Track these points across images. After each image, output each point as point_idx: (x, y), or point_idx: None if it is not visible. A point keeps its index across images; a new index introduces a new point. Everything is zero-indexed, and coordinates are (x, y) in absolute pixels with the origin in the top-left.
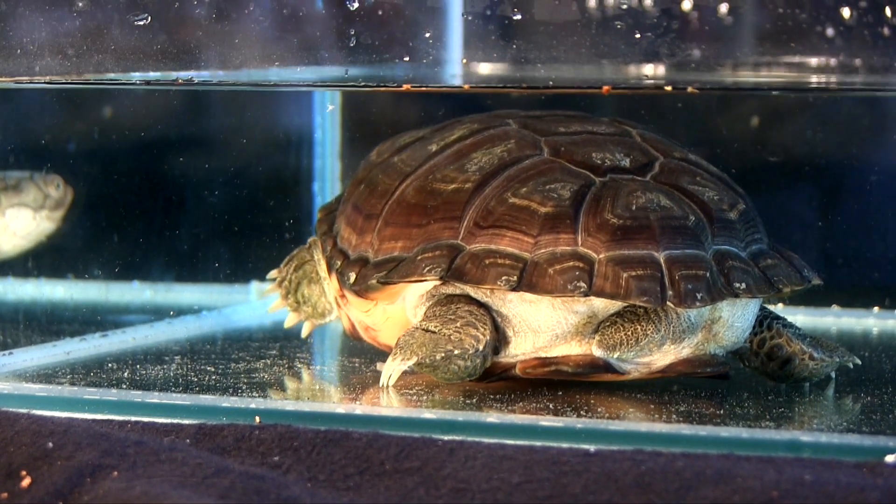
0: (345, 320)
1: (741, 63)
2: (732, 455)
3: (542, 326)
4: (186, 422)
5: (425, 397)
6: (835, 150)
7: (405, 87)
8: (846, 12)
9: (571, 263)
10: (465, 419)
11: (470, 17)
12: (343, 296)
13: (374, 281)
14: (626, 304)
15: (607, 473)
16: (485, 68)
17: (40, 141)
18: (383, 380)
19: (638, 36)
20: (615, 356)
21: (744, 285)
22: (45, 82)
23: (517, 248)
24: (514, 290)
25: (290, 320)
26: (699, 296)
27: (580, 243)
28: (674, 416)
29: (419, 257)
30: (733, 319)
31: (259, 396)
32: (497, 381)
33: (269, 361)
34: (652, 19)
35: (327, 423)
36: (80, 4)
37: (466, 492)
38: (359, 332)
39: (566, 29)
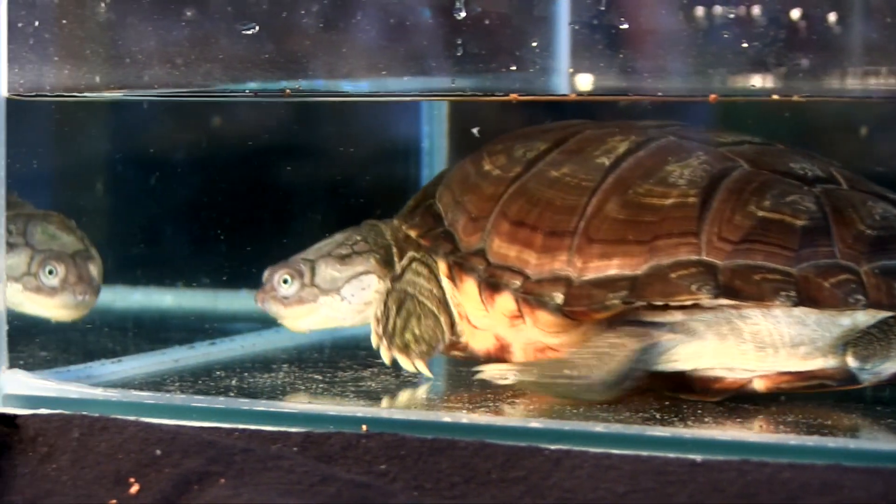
0: (482, 342)
1: (849, 72)
2: (839, 466)
3: (793, 340)
4: (293, 430)
5: (531, 407)
6: None
7: (512, 96)
8: None
9: (844, 276)
10: (572, 428)
11: (577, 27)
12: (519, 316)
13: (615, 301)
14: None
15: (713, 483)
16: (591, 78)
17: (149, 150)
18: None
19: (745, 45)
20: (868, 367)
21: None
22: (153, 93)
23: (777, 263)
24: (795, 305)
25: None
26: None
27: (839, 255)
28: (780, 427)
29: (673, 275)
30: None
31: (366, 405)
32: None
33: (376, 370)
34: (759, 28)
35: (434, 432)
36: (189, 14)
37: (572, 501)
38: (507, 352)
39: (673, 38)
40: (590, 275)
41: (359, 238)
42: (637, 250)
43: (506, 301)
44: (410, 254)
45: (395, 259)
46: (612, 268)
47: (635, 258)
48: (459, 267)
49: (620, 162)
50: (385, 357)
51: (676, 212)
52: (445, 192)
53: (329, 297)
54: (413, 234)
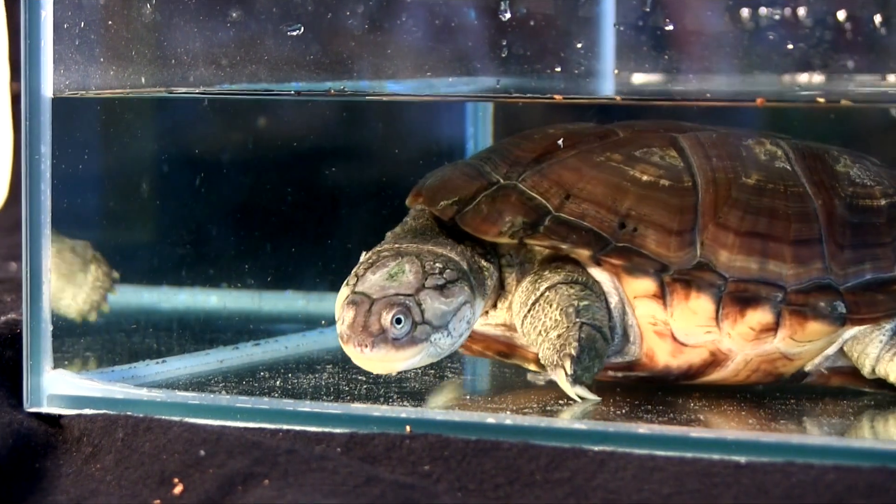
0: (686, 359)
1: (894, 74)
2: (885, 468)
3: None
4: (337, 430)
5: (575, 408)
6: None
7: (557, 97)
8: None
9: None
10: (616, 430)
11: (622, 28)
12: (773, 329)
13: None
14: None
15: (758, 485)
16: (637, 79)
17: (194, 150)
18: None
19: (790, 46)
20: None
21: None
22: (198, 92)
23: None
24: None
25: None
26: None
27: None
28: (825, 428)
29: None
30: None
31: (410, 406)
32: None
33: (419, 371)
34: (805, 29)
35: (478, 433)
36: (234, 15)
37: (616, 503)
38: (719, 366)
39: (718, 39)
40: (851, 280)
41: (439, 265)
42: (881, 252)
43: (762, 315)
44: (556, 278)
45: (488, 284)
46: (867, 272)
47: (884, 260)
48: (685, 284)
49: (795, 166)
50: (574, 391)
51: (893, 211)
52: (582, 204)
53: (439, 333)
54: (585, 253)
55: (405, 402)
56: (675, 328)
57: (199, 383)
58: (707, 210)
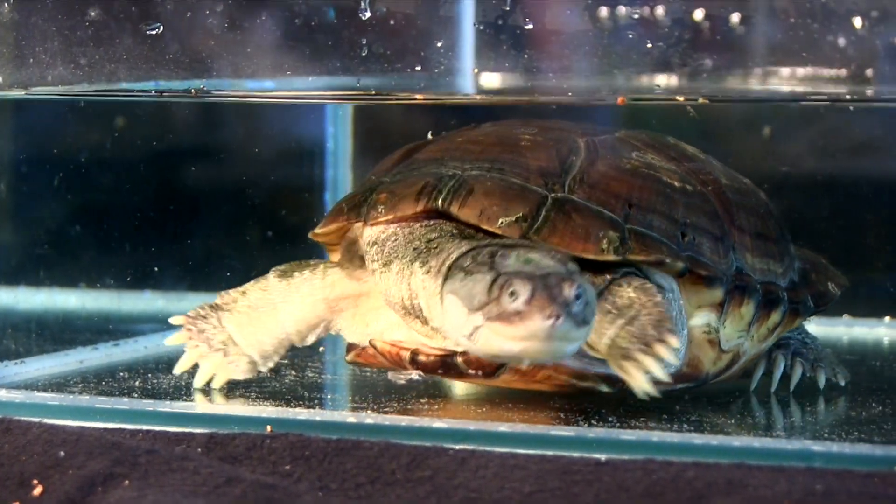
0: (719, 363)
1: (752, 73)
2: (744, 464)
3: None
4: (198, 431)
5: (436, 407)
6: (846, 160)
7: (418, 97)
8: (857, 22)
9: None
10: (477, 428)
11: (481, 27)
12: (775, 329)
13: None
14: None
15: (618, 483)
16: (496, 78)
17: (52, 151)
18: None
19: (650, 45)
20: None
21: None
22: (57, 93)
23: None
24: None
25: None
26: None
27: None
28: (685, 426)
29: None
30: None
31: (271, 405)
32: None
33: (280, 371)
34: (664, 29)
35: (339, 433)
36: (93, 14)
37: (478, 501)
38: (732, 369)
39: (578, 38)
40: (798, 276)
41: (557, 254)
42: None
43: (777, 315)
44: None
45: None
46: (797, 267)
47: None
48: (741, 290)
49: (716, 163)
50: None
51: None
52: (646, 214)
53: (594, 318)
54: (680, 265)
55: (266, 402)
56: (722, 335)
57: (59, 384)
58: (723, 214)
